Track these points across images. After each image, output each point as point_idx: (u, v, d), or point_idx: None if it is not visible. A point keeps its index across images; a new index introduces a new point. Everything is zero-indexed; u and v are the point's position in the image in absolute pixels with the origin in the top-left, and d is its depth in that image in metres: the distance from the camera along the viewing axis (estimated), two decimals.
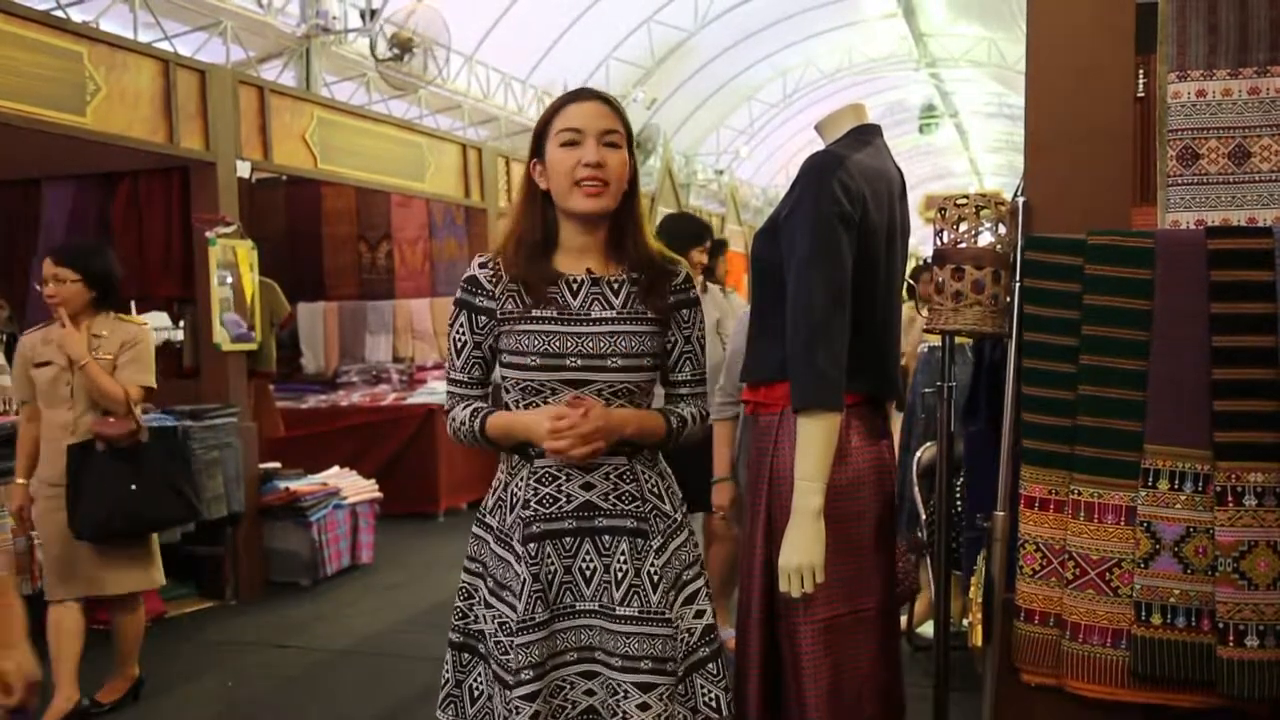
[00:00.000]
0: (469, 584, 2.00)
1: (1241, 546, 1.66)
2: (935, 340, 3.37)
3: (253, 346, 5.60)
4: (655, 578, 1.88)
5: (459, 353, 1.97)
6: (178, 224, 5.56)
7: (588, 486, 1.90)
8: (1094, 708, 1.78)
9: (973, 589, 1.92)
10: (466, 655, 2.00)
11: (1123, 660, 1.73)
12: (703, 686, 1.93)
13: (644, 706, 1.85)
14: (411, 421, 7.15)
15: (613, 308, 1.91)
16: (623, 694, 1.86)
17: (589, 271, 1.92)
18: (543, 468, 1.91)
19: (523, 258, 1.92)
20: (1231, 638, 1.66)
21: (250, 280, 5.54)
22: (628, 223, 1.94)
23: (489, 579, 1.95)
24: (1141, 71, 2.00)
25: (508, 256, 1.93)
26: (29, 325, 3.65)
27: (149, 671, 4.13)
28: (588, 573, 1.90)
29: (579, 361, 1.87)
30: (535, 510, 1.90)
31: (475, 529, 2.02)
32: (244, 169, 5.52)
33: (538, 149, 1.92)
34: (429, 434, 7.05)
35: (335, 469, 6.10)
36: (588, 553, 1.90)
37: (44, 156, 5.37)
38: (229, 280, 5.39)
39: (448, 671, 2.01)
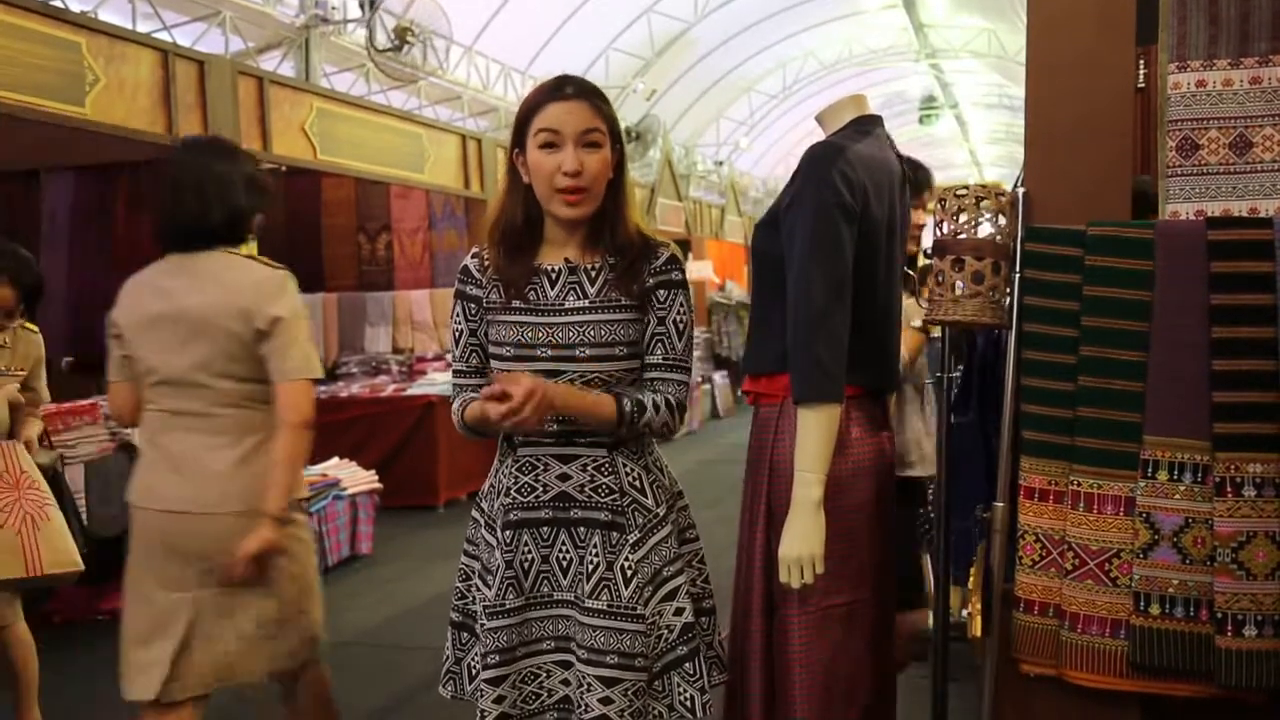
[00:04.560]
0: (466, 565, 2.05)
1: (1240, 537, 1.66)
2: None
3: None
4: (629, 573, 1.88)
5: (458, 342, 2.01)
6: None
7: (564, 477, 1.91)
8: (1092, 698, 1.79)
9: (972, 580, 1.93)
10: (465, 634, 2.04)
11: (1121, 650, 1.73)
12: (679, 685, 1.94)
13: (606, 701, 1.86)
14: (411, 413, 7.15)
15: (586, 297, 1.90)
16: (586, 686, 1.88)
17: (567, 261, 1.92)
18: (524, 456, 1.93)
19: (503, 252, 1.93)
20: (1230, 628, 1.66)
21: None
22: (610, 211, 1.93)
23: (480, 561, 1.99)
24: (1142, 62, 1.99)
25: (490, 250, 1.95)
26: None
27: None
28: (564, 563, 1.92)
29: (549, 352, 1.88)
30: (514, 498, 1.93)
31: (474, 512, 2.07)
32: None
33: (518, 139, 1.91)
34: (429, 425, 7.06)
35: (335, 460, 6.11)
36: (564, 543, 1.92)
37: (43, 147, 5.37)
38: None
39: (449, 649, 2.07)
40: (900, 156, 2.17)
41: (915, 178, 3.12)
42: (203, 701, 2.38)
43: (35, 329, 3.35)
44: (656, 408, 1.91)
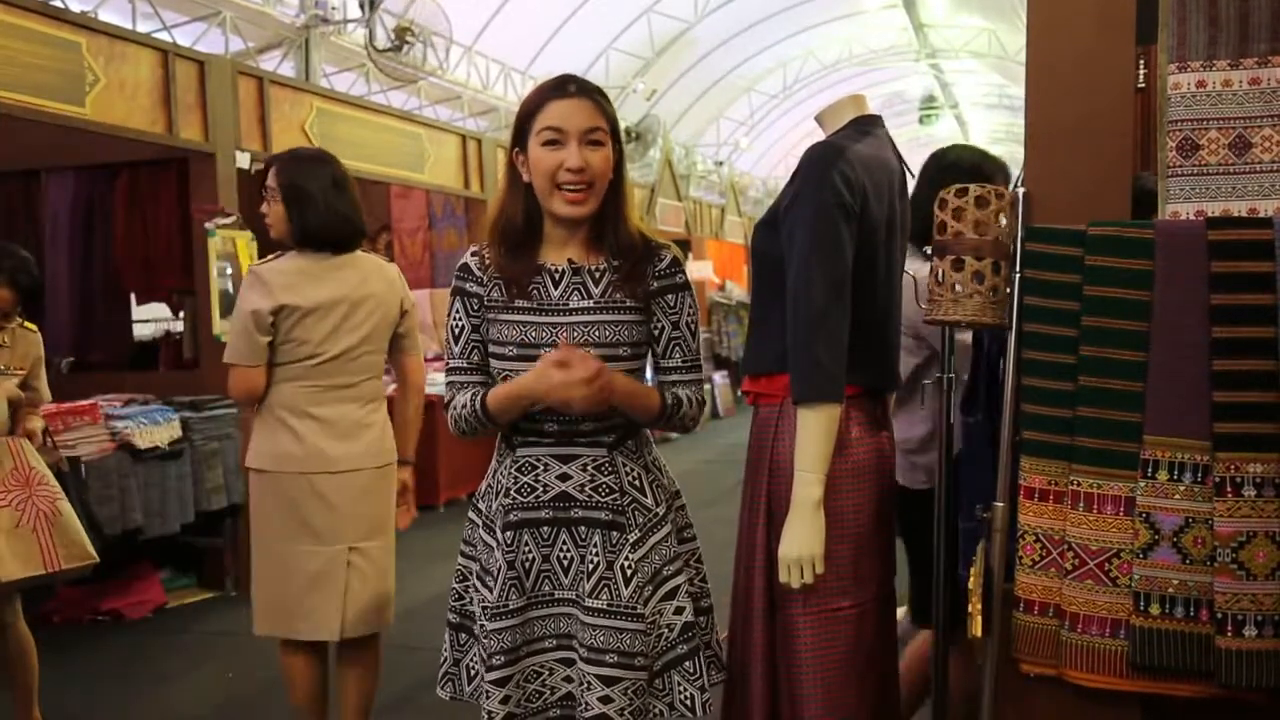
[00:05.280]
0: (464, 566, 2.05)
1: (1240, 537, 1.66)
2: None
3: None
4: (629, 572, 1.89)
5: (457, 339, 1.98)
6: (178, 215, 5.56)
7: (564, 477, 1.91)
8: (1093, 698, 1.79)
9: (972, 580, 1.93)
10: (463, 635, 2.04)
11: (1121, 650, 1.73)
12: (679, 684, 1.95)
13: (606, 699, 1.86)
14: None
15: (591, 297, 1.91)
16: (586, 685, 1.88)
17: (570, 261, 1.93)
18: (524, 456, 1.93)
19: (505, 251, 1.93)
20: (1230, 628, 1.66)
21: None
22: (611, 212, 1.93)
23: (478, 562, 1.98)
24: (1142, 62, 1.99)
25: (491, 248, 1.95)
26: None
27: (151, 661, 4.13)
28: (565, 562, 1.92)
29: (553, 352, 1.87)
30: (514, 499, 1.92)
31: (470, 513, 2.06)
32: (243, 160, 5.51)
33: (519, 138, 1.91)
34: (429, 425, 6.99)
35: None
36: (564, 543, 1.92)
37: (43, 147, 5.37)
38: (229, 271, 5.39)
39: (446, 650, 2.06)
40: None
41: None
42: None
43: (34, 328, 3.36)
44: (690, 403, 1.99)
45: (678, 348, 1.98)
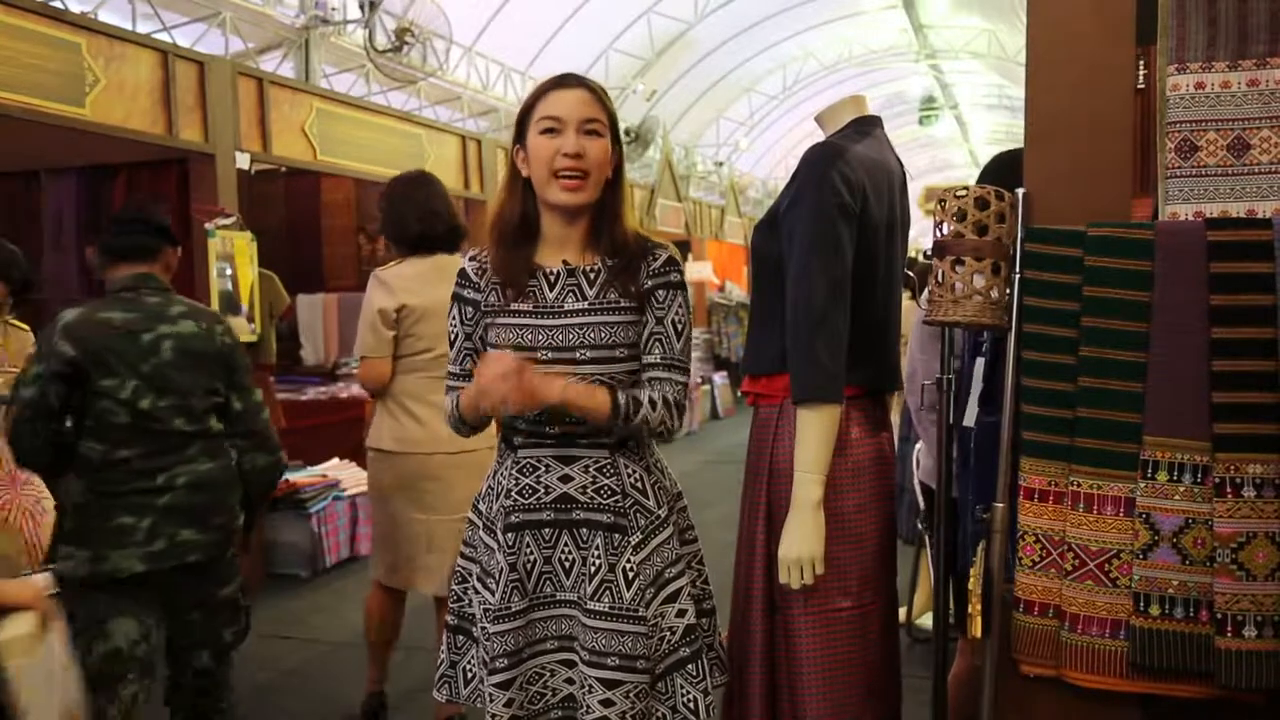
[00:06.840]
0: (463, 568, 2.04)
1: (1240, 538, 1.66)
2: None
3: (252, 339, 5.60)
4: (631, 574, 1.88)
5: (453, 344, 2.00)
6: (177, 216, 5.55)
7: (566, 479, 1.91)
8: (1092, 698, 1.79)
9: (972, 580, 1.93)
10: (461, 637, 2.03)
11: (1121, 651, 1.73)
12: (682, 687, 1.94)
13: (607, 703, 1.86)
14: None
15: (585, 299, 1.90)
16: (588, 688, 1.87)
17: (565, 263, 1.92)
18: (525, 458, 1.93)
19: (501, 252, 1.93)
20: (1230, 629, 1.66)
21: (249, 272, 5.54)
22: (608, 212, 1.93)
23: (478, 564, 1.98)
24: (1141, 63, 1.99)
25: (489, 250, 1.95)
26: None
27: None
28: (567, 564, 1.92)
29: (549, 354, 1.88)
30: (515, 500, 1.92)
31: (470, 514, 2.05)
32: (243, 161, 5.51)
33: (520, 134, 1.92)
34: None
35: (335, 461, 6.11)
36: (566, 544, 1.91)
37: (43, 148, 5.37)
38: (228, 272, 5.39)
39: (444, 652, 2.05)
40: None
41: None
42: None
43: (26, 327, 3.37)
44: (654, 404, 1.89)
45: (658, 343, 1.92)
